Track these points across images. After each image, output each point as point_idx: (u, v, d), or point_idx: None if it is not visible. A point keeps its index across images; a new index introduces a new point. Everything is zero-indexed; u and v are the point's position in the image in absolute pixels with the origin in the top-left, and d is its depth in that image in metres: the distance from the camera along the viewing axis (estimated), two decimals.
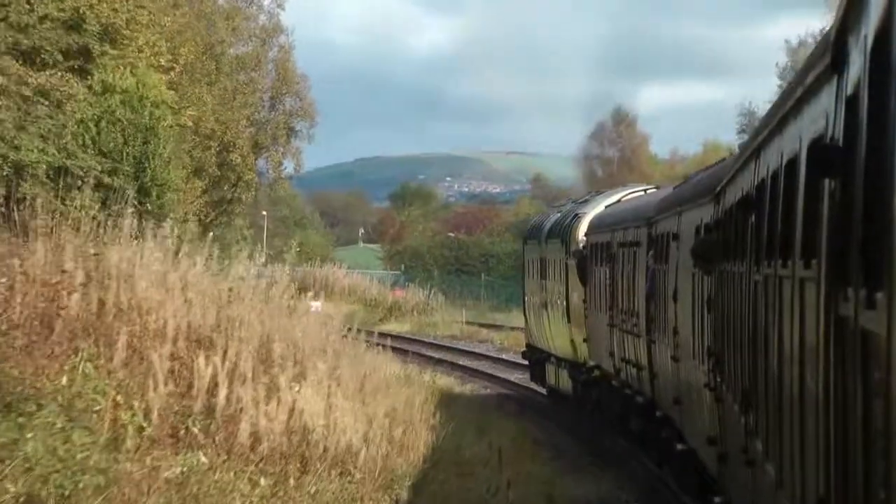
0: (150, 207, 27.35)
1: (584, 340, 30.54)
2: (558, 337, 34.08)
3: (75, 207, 22.06)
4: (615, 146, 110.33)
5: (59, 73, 29.11)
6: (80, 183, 23.61)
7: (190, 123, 41.46)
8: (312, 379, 20.25)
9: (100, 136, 29.10)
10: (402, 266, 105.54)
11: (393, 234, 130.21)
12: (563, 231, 33.35)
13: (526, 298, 40.24)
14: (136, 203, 25.19)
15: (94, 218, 21.69)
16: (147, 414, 17.67)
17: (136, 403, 17.75)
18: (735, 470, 11.54)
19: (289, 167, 61.86)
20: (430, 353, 49.66)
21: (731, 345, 11.64)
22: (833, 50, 5.78)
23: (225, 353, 19.13)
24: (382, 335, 55.70)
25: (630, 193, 31.63)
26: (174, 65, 40.11)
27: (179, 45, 43.03)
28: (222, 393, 18.26)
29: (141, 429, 17.53)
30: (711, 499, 14.19)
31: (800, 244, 6.79)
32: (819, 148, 6.11)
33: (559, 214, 36.33)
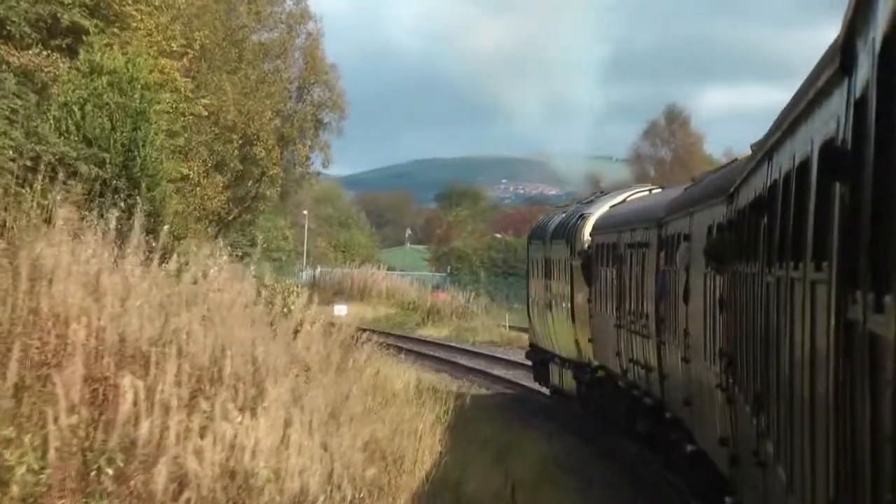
0: (138, 201, 23.67)
1: (589, 341, 30.51)
2: (562, 337, 34.05)
3: (33, 199, 18.99)
4: (668, 146, 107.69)
5: (46, 53, 26.56)
6: (51, 172, 20.85)
7: (205, 113, 38.47)
8: (269, 406, 16.35)
9: (85, 120, 26.35)
10: (448, 268, 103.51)
11: (440, 235, 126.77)
12: (567, 231, 33.32)
13: (530, 299, 40.28)
14: (124, 196, 23.21)
15: (45, 209, 18.44)
16: (45, 452, 13.82)
17: (27, 438, 13.87)
18: (747, 471, 11.53)
19: (317, 162, 58.25)
20: (463, 360, 47.52)
21: (743, 346, 11.62)
22: (842, 53, 5.78)
23: (157, 372, 15.36)
24: (416, 341, 54.14)
25: (634, 194, 31.59)
26: (188, 50, 37.38)
27: (196, 29, 40.10)
28: (145, 424, 14.52)
29: (34, 471, 13.71)
30: (723, 499, 14.17)
31: (811, 247, 6.78)
32: (830, 150, 6.11)
33: (564, 215, 36.31)
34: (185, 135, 37.67)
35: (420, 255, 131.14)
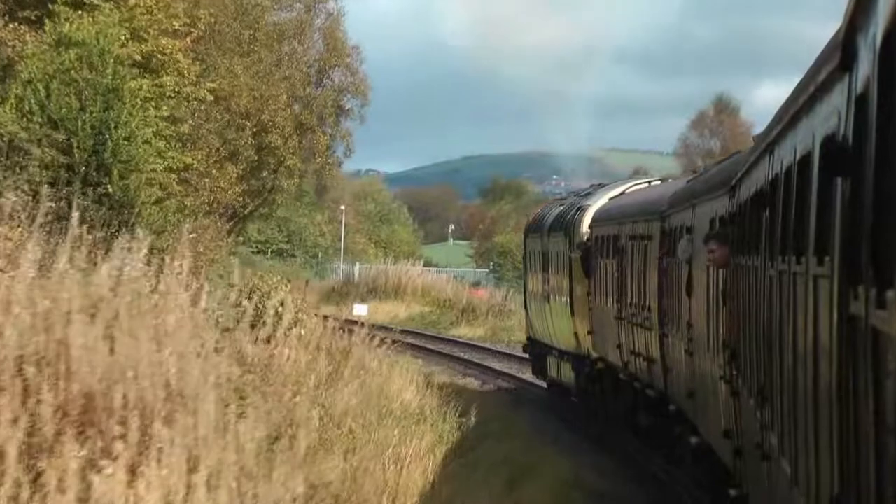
0: (110, 190, 22.45)
1: (589, 333, 30.51)
2: (561, 330, 34.05)
3: None
4: (717, 136, 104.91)
5: (13, 26, 24.54)
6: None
7: (211, 97, 34.85)
8: (167, 448, 12.50)
9: (50, 99, 23.42)
10: (491, 264, 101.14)
11: (483, 231, 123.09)
12: (566, 224, 33.27)
13: (527, 292, 40.24)
14: (92, 184, 21.34)
15: None
16: None
17: None
18: (751, 464, 11.55)
19: (338, 151, 53.85)
20: (494, 362, 44.81)
21: (746, 338, 11.65)
22: (843, 48, 5.79)
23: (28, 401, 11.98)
24: (446, 342, 52.06)
25: (633, 186, 31.56)
26: (192, 29, 34.39)
27: (201, 7, 37.01)
28: None
29: None
30: (727, 492, 14.19)
31: (813, 241, 6.80)
32: (831, 146, 6.12)
33: (562, 208, 36.24)
34: (191, 121, 35.36)
35: (463, 251, 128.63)
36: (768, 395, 9.36)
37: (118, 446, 11.93)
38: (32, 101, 23.54)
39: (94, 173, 22.64)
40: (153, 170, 28.34)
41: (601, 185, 35.01)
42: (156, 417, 12.73)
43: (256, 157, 47.11)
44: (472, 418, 24.38)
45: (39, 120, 23.19)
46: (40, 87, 23.78)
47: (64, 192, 20.66)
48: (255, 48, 45.91)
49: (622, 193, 31.05)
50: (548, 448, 24.85)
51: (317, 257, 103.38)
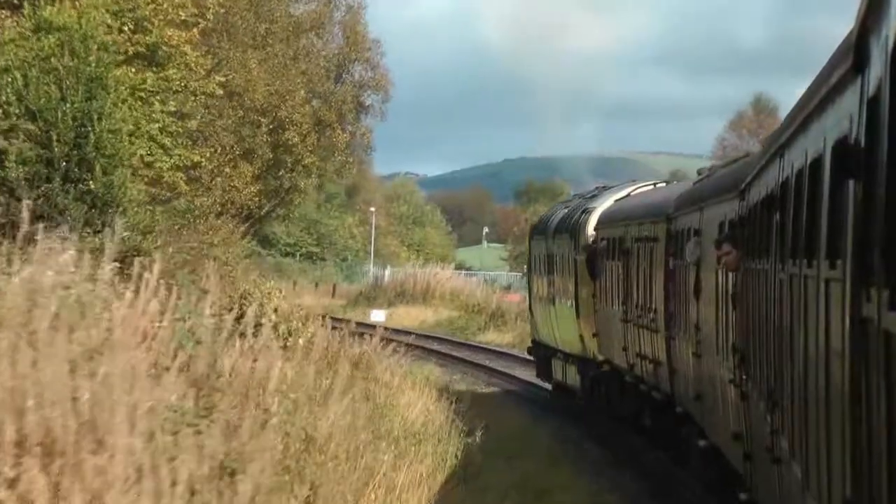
0: (92, 187, 20.95)
1: (594, 335, 30.50)
2: (566, 332, 34.03)
3: None
4: (755, 136, 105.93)
5: None
6: None
7: (220, 91, 33.05)
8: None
9: (28, 88, 21.82)
10: (525, 267, 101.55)
11: (518, 234, 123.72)
12: (571, 226, 33.25)
13: (532, 295, 40.21)
14: (73, 181, 20.06)
15: None
16: None
17: None
18: (761, 468, 11.53)
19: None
20: (520, 370, 42.43)
21: (756, 342, 11.63)
22: (855, 51, 5.77)
23: None
24: (472, 349, 50.05)
25: (639, 188, 31.54)
26: (200, 19, 32.50)
27: None
28: None
29: None
30: (737, 495, 14.17)
31: (825, 244, 6.78)
32: (843, 148, 6.11)
33: (566, 210, 36.21)
34: (201, 117, 33.84)
35: (498, 254, 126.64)
36: (779, 399, 9.34)
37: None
38: (9, 90, 21.87)
39: (76, 169, 20.88)
40: (160, 168, 27.78)
41: (606, 188, 34.98)
42: (57, 455, 10.47)
43: (272, 156, 45.44)
44: (483, 435, 22.78)
45: (17, 111, 21.65)
46: (17, 76, 22.08)
47: (43, 188, 19.46)
48: (271, 41, 43.85)
49: (628, 195, 31.04)
50: (567, 468, 23.13)
51: (346, 260, 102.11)
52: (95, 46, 22.49)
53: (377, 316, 35.50)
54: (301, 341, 21.51)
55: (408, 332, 51.66)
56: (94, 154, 21.69)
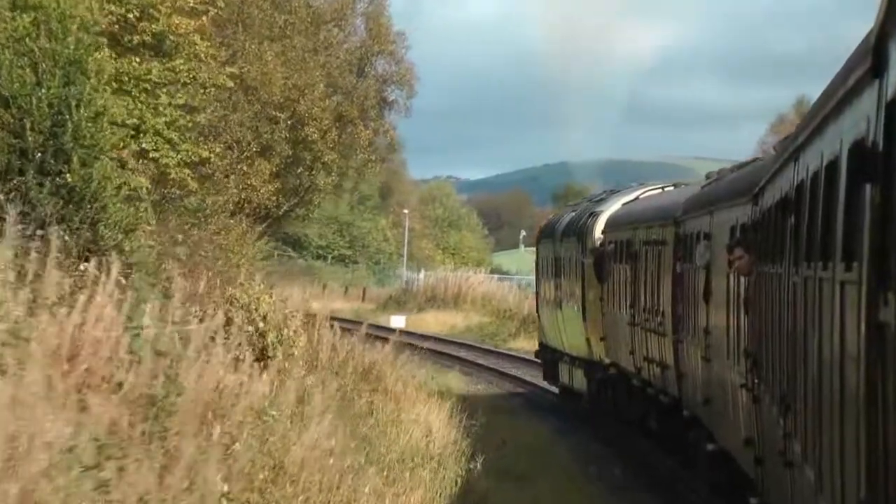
0: (69, 180, 19.31)
1: (601, 339, 30.50)
2: (573, 335, 34.04)
3: None
4: None
5: None
6: None
7: (231, 83, 30.94)
8: None
9: (0, 72, 20.02)
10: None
11: None
12: (579, 229, 33.27)
13: (539, 298, 40.24)
14: (50, 173, 18.45)
15: None
16: None
17: None
18: (773, 472, 11.52)
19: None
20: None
21: (769, 346, 11.62)
22: (874, 54, 5.77)
23: None
24: (501, 356, 47.82)
25: (647, 191, 31.55)
26: (210, 7, 30.92)
27: None
28: None
29: None
30: (747, 499, 14.17)
31: (840, 247, 6.78)
32: (860, 151, 6.11)
33: (574, 213, 36.22)
34: (213, 111, 32.27)
35: (535, 258, 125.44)
36: (792, 403, 9.34)
37: None
38: None
39: (52, 160, 19.24)
40: (165, 164, 26.56)
41: (615, 191, 34.98)
42: None
43: (291, 153, 43.12)
44: (497, 452, 21.51)
45: None
46: None
47: (15, 181, 17.94)
48: (289, 33, 41.74)
49: (636, 199, 31.02)
50: (584, 490, 21.42)
51: (379, 263, 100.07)
52: (75, 26, 20.44)
53: (397, 321, 33.86)
54: (295, 351, 19.91)
55: (435, 338, 50.64)
56: (71, 144, 19.81)
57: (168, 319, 14.28)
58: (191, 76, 28.15)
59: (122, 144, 21.78)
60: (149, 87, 26.70)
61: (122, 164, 23.89)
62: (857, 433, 6.10)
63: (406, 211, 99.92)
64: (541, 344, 39.81)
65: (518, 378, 42.37)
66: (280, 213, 45.35)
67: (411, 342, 45.96)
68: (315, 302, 69.98)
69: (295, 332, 20.39)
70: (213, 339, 15.05)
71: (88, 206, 18.81)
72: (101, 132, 20.25)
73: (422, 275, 79.64)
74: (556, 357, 37.14)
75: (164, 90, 27.14)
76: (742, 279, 14.78)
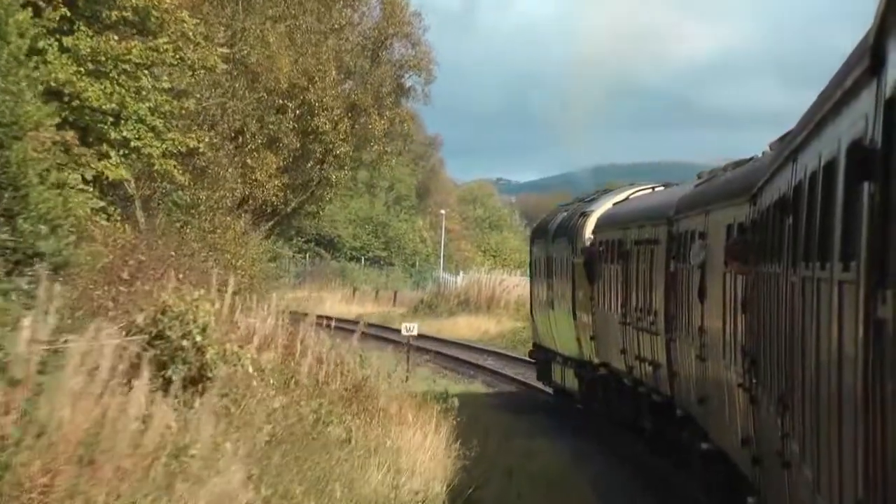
0: None
1: (591, 338, 30.54)
2: (564, 335, 34.11)
3: None
4: None
5: None
6: None
7: (223, 65, 27.67)
8: None
9: None
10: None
11: None
12: (570, 229, 33.37)
13: (532, 298, 40.33)
14: None
15: None
16: None
17: None
18: (771, 471, 11.52)
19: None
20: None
21: (767, 346, 11.62)
22: (872, 53, 5.78)
23: None
24: (530, 365, 41.90)
25: (638, 191, 31.63)
26: None
27: None
28: None
29: None
30: (743, 499, 14.17)
31: (839, 246, 6.78)
32: (858, 150, 6.11)
33: (566, 213, 36.31)
34: (201, 96, 29.82)
35: None
36: (790, 403, 9.34)
37: None
38: None
39: None
40: (149, 155, 24.10)
41: (606, 191, 35.06)
42: None
43: (300, 145, 39.49)
44: (504, 482, 19.15)
45: None
46: None
47: None
48: (295, 12, 38.48)
49: (626, 199, 31.09)
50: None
51: (415, 265, 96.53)
52: None
53: (409, 329, 30.41)
54: (241, 368, 16.48)
55: (464, 346, 48.55)
56: None
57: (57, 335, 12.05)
58: (177, 57, 25.38)
59: (51, 123, 18.49)
60: (129, 69, 24.29)
61: (67, 149, 21.71)
62: (855, 432, 6.10)
63: (443, 211, 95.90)
64: (534, 344, 39.89)
65: (543, 390, 39.21)
66: (288, 210, 42.13)
67: (427, 348, 45.03)
68: (348, 305, 68.60)
69: (241, 347, 16.98)
70: (120, 358, 12.61)
71: (8, 197, 15.84)
72: (21, 108, 16.78)
73: (460, 277, 76.22)
74: (548, 357, 37.18)
75: (147, 72, 24.70)
76: (739, 278, 14.79)
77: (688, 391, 20.64)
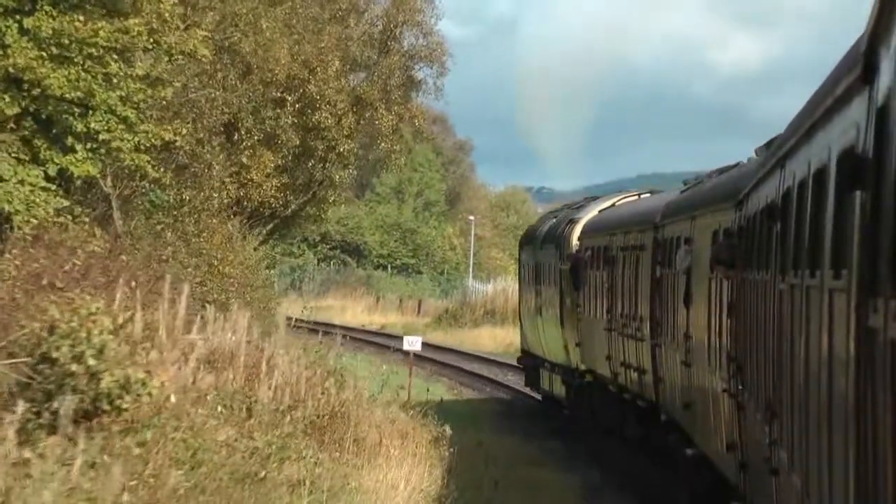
0: None
1: (577, 345, 30.58)
2: (551, 342, 34.17)
3: None
4: None
5: None
6: None
7: (204, 51, 24.26)
8: None
9: None
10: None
11: None
12: (557, 236, 33.47)
13: (521, 305, 40.40)
14: None
15: None
16: None
17: None
18: (758, 478, 11.52)
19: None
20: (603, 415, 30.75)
21: (753, 352, 11.62)
22: (864, 61, 5.77)
23: None
24: None
25: (624, 198, 31.75)
26: None
27: None
28: None
29: None
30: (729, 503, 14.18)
31: (829, 255, 6.77)
32: (850, 159, 6.10)
33: (554, 220, 36.43)
34: (177, 83, 26.24)
35: None
36: (778, 410, 9.33)
37: None
38: None
39: None
40: (118, 149, 21.99)
41: (594, 198, 35.16)
42: None
43: (298, 142, 36.37)
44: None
45: None
46: None
47: None
48: None
49: (613, 206, 31.19)
50: None
51: (444, 273, 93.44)
52: None
53: (411, 343, 27.55)
54: (146, 398, 13.48)
55: (485, 360, 46.83)
56: None
57: None
58: (151, 41, 23.06)
59: (10, 113, 17.26)
60: (96, 53, 21.95)
61: (27, 142, 20.47)
62: (847, 441, 6.09)
63: (472, 217, 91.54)
64: (523, 350, 39.97)
65: (561, 411, 35.61)
66: (288, 212, 39.02)
67: (443, 361, 43.88)
68: (371, 315, 66.83)
69: (147, 373, 13.71)
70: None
71: None
72: None
73: (490, 286, 73.86)
74: (537, 364, 37.24)
75: (117, 57, 22.38)
76: (724, 284, 14.80)
77: (672, 397, 20.66)
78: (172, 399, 13.97)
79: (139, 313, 14.92)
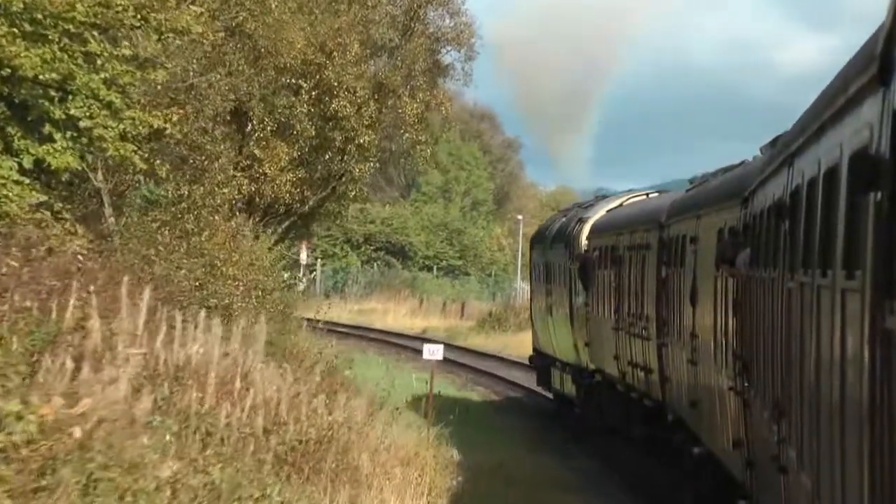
0: None
1: (586, 344, 30.61)
2: (562, 341, 34.22)
3: None
4: None
5: None
6: None
7: (199, 29, 21.74)
8: None
9: None
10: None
11: None
12: (566, 235, 33.53)
13: (532, 304, 40.47)
14: None
15: None
16: None
17: None
18: (765, 476, 11.51)
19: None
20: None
21: (760, 351, 11.60)
22: (880, 61, 5.75)
23: None
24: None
25: (632, 198, 31.79)
26: None
27: None
28: None
29: None
30: (735, 502, 14.17)
31: (841, 255, 6.75)
32: (863, 159, 6.08)
33: (564, 219, 36.47)
34: (170, 66, 23.24)
35: None
36: (786, 409, 9.32)
37: None
38: None
39: None
40: (100, 137, 19.72)
41: (603, 197, 35.21)
42: None
43: (313, 133, 33.44)
44: None
45: None
46: None
47: None
48: None
49: (621, 205, 31.23)
50: None
51: (492, 275, 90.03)
52: None
53: (432, 352, 23.77)
54: (20, 433, 10.91)
55: (524, 366, 42.91)
56: None
57: None
58: (138, 17, 20.49)
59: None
60: (73, 30, 19.59)
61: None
62: (861, 441, 6.07)
63: (520, 216, 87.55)
64: (535, 350, 40.03)
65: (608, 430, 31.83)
66: (305, 209, 35.67)
67: (480, 369, 43.05)
68: (413, 318, 65.61)
69: (24, 403, 11.30)
70: None
71: None
72: None
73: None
74: (548, 363, 37.30)
75: (98, 35, 19.95)
76: (731, 282, 14.79)
77: (679, 395, 20.66)
78: (77, 434, 11.34)
79: (97, 321, 13.12)
